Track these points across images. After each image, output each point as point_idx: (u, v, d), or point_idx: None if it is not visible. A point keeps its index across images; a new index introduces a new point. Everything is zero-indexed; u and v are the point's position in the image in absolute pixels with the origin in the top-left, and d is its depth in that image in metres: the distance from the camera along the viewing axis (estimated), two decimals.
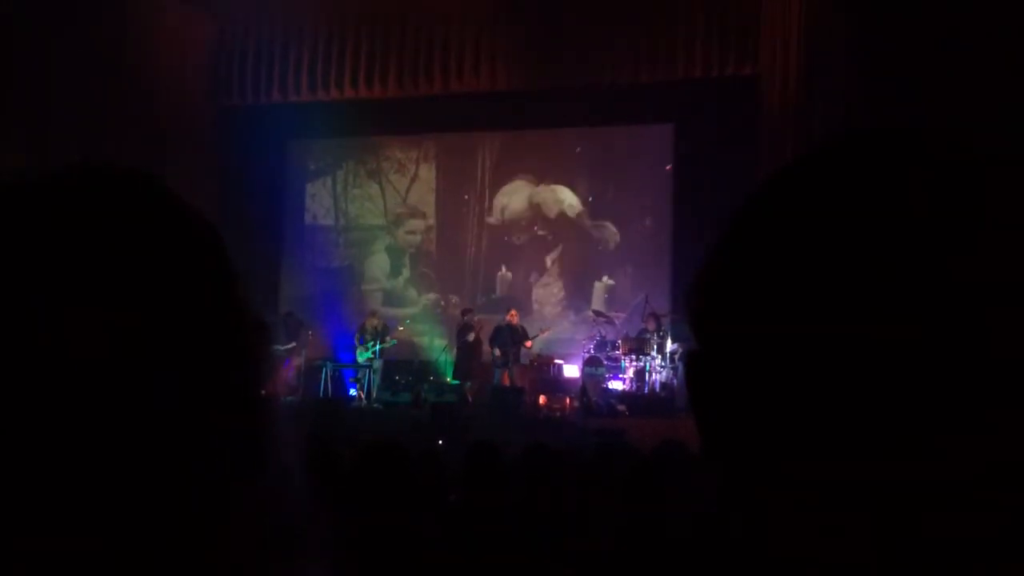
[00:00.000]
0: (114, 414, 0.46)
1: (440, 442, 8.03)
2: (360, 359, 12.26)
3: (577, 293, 13.38)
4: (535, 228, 13.81)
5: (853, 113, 9.13)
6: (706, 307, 0.48)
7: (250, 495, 0.52)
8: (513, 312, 12.14)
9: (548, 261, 13.67)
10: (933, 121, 0.45)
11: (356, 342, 12.41)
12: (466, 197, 14.18)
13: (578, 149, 13.51)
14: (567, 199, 13.69)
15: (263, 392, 0.55)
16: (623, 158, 13.16)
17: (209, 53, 13.61)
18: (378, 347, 12.26)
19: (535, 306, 13.53)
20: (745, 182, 10.12)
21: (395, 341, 12.55)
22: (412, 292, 14.25)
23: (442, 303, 14.03)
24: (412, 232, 14.46)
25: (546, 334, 12.41)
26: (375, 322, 12.52)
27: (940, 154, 0.43)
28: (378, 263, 14.49)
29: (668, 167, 12.89)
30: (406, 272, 14.37)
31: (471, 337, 12.16)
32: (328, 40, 13.38)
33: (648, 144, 13.08)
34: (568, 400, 11.25)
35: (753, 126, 11.09)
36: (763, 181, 0.47)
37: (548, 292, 13.63)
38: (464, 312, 12.58)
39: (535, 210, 13.82)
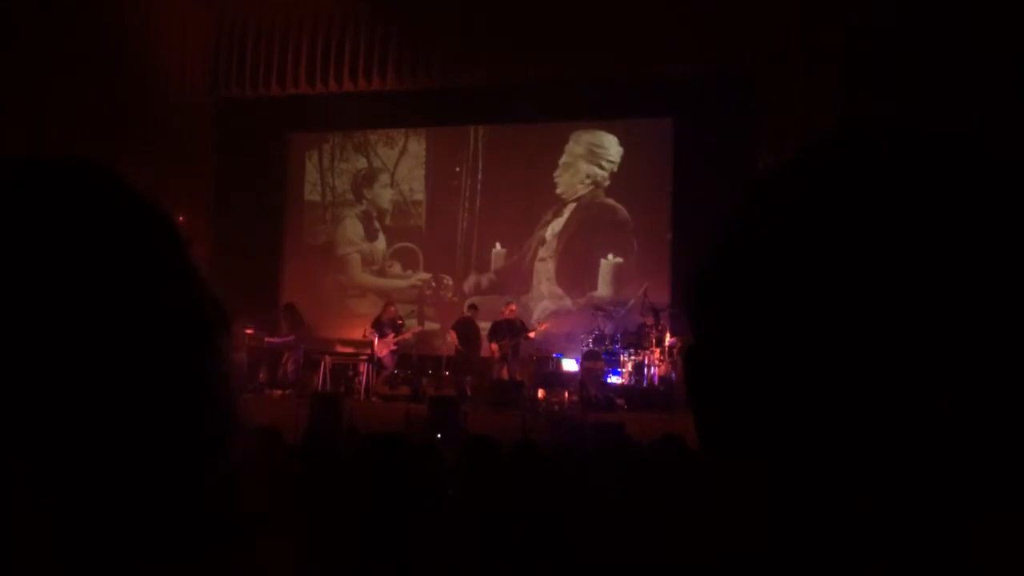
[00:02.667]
0: (74, 402, 0.46)
1: (439, 435, 8.04)
2: (378, 351, 12.23)
3: (578, 271, 13.23)
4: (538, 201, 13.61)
5: (852, 109, 9.12)
6: (704, 304, 0.48)
7: (211, 478, 0.52)
8: (512, 306, 12.13)
9: (549, 231, 13.46)
10: (931, 118, 0.45)
11: (373, 334, 12.31)
12: (457, 170, 13.93)
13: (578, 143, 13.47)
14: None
15: (224, 378, 0.54)
16: (621, 153, 13.13)
17: (208, 44, 13.59)
18: (403, 332, 12.21)
19: (534, 280, 13.39)
20: (744, 178, 10.11)
21: (411, 331, 12.43)
22: (397, 267, 14.02)
23: (433, 284, 13.88)
24: (384, 186, 14.18)
25: (544, 327, 12.41)
26: (392, 313, 12.45)
27: (933, 153, 0.43)
28: (351, 227, 14.29)
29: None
30: (383, 237, 14.18)
31: (474, 332, 12.15)
32: (327, 33, 13.35)
33: (647, 139, 13.05)
34: (567, 394, 11.24)
35: (753, 121, 11.07)
36: (759, 178, 0.48)
37: (544, 267, 13.47)
38: (470, 307, 12.56)
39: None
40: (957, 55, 8.31)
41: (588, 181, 13.38)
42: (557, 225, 13.42)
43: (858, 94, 9.29)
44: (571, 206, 13.44)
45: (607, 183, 13.32)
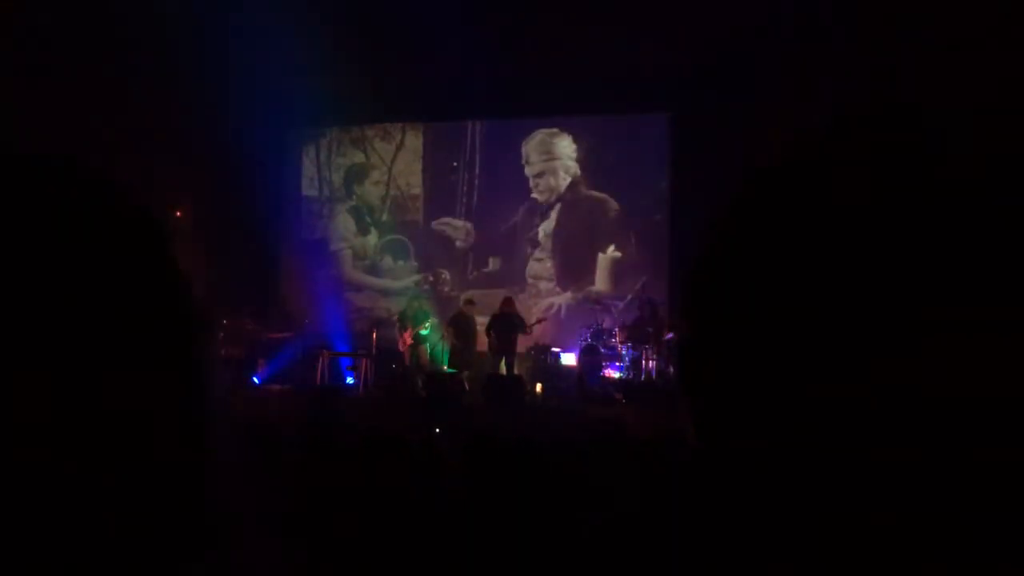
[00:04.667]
0: (56, 400, 0.46)
1: (437, 431, 8.04)
2: (400, 346, 12.22)
3: (576, 267, 13.26)
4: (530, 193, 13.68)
5: (851, 100, 9.10)
6: (699, 296, 0.48)
7: (194, 478, 0.52)
8: (510, 300, 12.13)
9: (541, 232, 13.54)
10: (931, 111, 0.45)
11: (396, 332, 12.34)
12: (455, 165, 13.97)
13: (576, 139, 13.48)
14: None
15: (205, 379, 0.54)
16: (619, 147, 13.12)
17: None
18: (424, 333, 12.23)
19: (529, 280, 13.44)
20: (742, 171, 10.10)
21: (432, 329, 12.46)
22: (388, 260, 14.08)
23: (431, 278, 13.90)
24: (376, 183, 14.23)
25: (542, 323, 12.41)
26: (416, 306, 12.49)
27: (929, 149, 0.43)
28: (343, 222, 14.36)
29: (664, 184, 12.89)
30: (374, 232, 14.21)
31: (470, 327, 12.15)
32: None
33: (644, 133, 13.04)
34: (565, 388, 11.26)
35: (751, 115, 11.06)
36: (755, 172, 0.48)
37: (543, 267, 13.52)
38: (466, 302, 12.57)
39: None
40: (955, 51, 8.31)
41: (567, 177, 13.47)
42: (548, 226, 13.47)
43: (858, 86, 9.28)
44: (557, 206, 13.49)
45: (580, 175, 13.38)
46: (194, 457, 0.52)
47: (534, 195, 13.59)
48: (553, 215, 13.50)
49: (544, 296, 13.23)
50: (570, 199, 13.44)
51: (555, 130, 13.56)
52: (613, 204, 13.21)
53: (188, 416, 0.52)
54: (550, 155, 13.56)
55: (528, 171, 13.61)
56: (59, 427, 0.46)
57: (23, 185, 0.50)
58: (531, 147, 13.61)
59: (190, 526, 0.51)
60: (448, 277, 13.76)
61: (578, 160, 13.44)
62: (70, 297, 0.47)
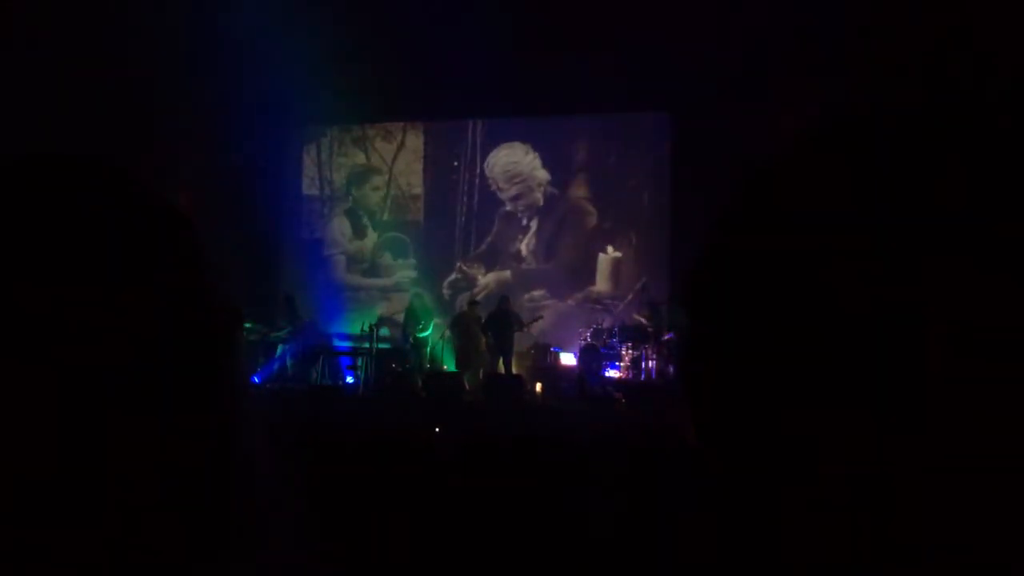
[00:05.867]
0: (79, 398, 0.46)
1: (437, 430, 8.04)
2: (406, 345, 12.33)
3: (576, 270, 13.27)
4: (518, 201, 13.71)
5: (851, 101, 9.10)
6: (700, 298, 0.48)
7: (220, 479, 0.52)
8: (506, 299, 12.12)
9: (524, 246, 13.56)
10: (928, 110, 0.45)
11: (403, 330, 12.42)
12: (456, 164, 13.98)
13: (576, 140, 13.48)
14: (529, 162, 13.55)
15: (233, 377, 0.54)
16: (620, 147, 13.11)
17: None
18: (424, 335, 12.27)
19: (520, 289, 13.46)
20: (743, 171, 10.09)
21: (432, 329, 12.46)
22: (387, 257, 14.07)
23: (434, 276, 13.94)
24: (376, 188, 14.20)
25: (540, 322, 12.40)
26: (418, 305, 12.51)
27: (924, 147, 0.43)
28: (338, 227, 14.35)
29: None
30: (372, 235, 14.19)
31: (471, 327, 12.14)
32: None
33: (645, 133, 13.03)
34: (565, 387, 11.25)
35: (752, 115, 11.04)
36: (756, 172, 0.48)
37: (531, 278, 13.54)
38: (471, 303, 12.56)
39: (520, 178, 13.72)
40: (953, 49, 8.31)
41: (541, 187, 13.49)
42: (531, 238, 13.50)
43: (858, 89, 9.29)
44: (536, 218, 13.54)
45: (549, 179, 13.42)
46: (225, 456, 0.52)
47: (508, 208, 13.60)
48: (534, 226, 13.53)
49: (539, 301, 13.23)
50: (548, 209, 13.48)
51: (515, 144, 13.54)
52: (590, 207, 13.25)
53: (220, 415, 0.52)
54: (520, 176, 13.59)
55: (502, 196, 13.64)
56: (88, 420, 0.46)
57: (61, 184, 0.50)
58: (497, 173, 13.64)
59: (218, 527, 0.51)
60: (447, 275, 13.77)
61: (545, 165, 13.45)
62: (103, 294, 0.48)
